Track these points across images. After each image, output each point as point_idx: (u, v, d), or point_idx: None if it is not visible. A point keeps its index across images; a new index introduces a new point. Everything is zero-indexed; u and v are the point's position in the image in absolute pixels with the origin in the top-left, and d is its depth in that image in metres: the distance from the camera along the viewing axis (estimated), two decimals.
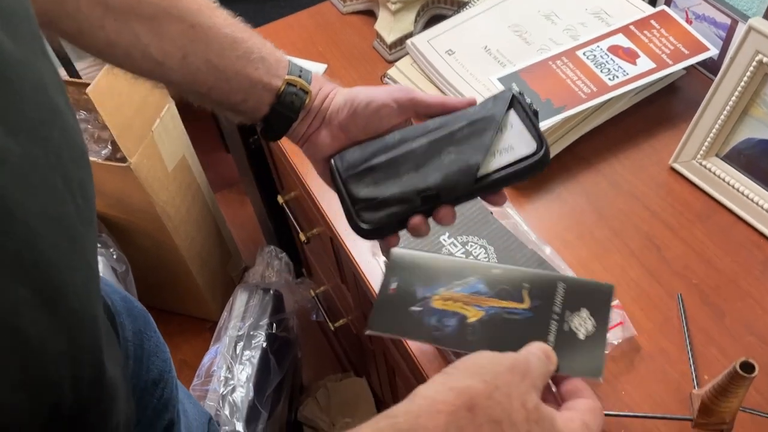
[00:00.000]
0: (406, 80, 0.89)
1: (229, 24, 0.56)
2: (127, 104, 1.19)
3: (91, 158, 1.20)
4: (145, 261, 1.48)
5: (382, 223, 0.54)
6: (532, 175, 0.53)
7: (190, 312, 1.70)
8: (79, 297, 0.35)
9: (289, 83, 0.57)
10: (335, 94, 0.59)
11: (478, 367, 0.39)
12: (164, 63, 0.54)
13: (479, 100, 0.56)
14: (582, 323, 0.47)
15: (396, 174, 0.54)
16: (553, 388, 0.45)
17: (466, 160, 0.52)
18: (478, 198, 0.74)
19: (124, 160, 1.22)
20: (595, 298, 0.49)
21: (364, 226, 0.54)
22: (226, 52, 0.55)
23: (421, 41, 0.89)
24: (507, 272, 0.51)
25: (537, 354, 0.42)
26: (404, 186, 0.53)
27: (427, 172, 0.53)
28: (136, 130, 1.23)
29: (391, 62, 0.96)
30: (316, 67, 0.99)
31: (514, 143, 0.52)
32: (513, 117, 0.54)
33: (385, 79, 0.91)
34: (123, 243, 1.43)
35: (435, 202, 0.53)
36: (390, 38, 0.97)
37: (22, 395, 0.30)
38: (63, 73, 1.60)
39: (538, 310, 0.48)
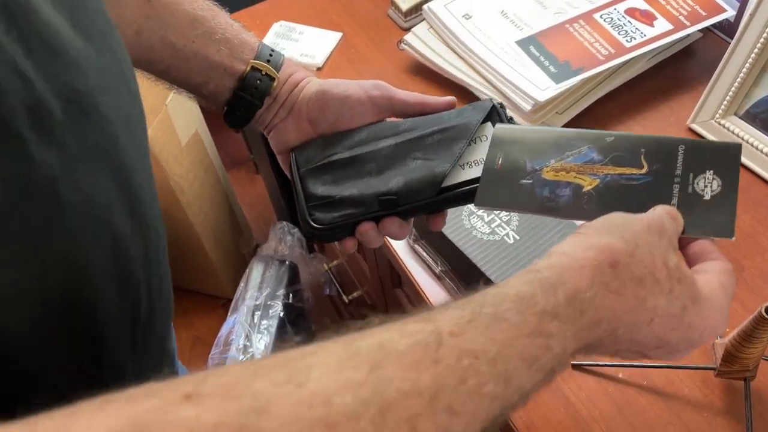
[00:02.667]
0: (423, 46, 0.90)
1: (191, 1, 0.53)
2: (140, 77, 1.19)
3: None
4: None
5: (334, 224, 0.50)
6: None
7: (203, 289, 1.71)
8: (148, 206, 0.37)
9: (254, 68, 0.54)
10: (307, 83, 0.55)
11: (615, 227, 0.37)
12: None
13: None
14: (707, 184, 0.44)
15: (357, 174, 0.51)
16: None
17: (432, 168, 0.49)
18: None
19: None
20: (719, 158, 0.44)
21: (314, 225, 0.51)
22: (185, 31, 0.52)
23: (437, 6, 0.90)
24: (622, 139, 0.46)
25: (665, 215, 0.40)
26: (364, 187, 0.50)
27: (390, 176, 0.50)
28: (150, 103, 1.24)
29: (406, 30, 0.96)
30: (331, 36, 0.99)
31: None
32: (489, 130, 0.51)
33: (402, 45, 0.91)
34: None
35: (392, 208, 0.50)
36: (405, 5, 0.97)
37: (114, 288, 0.31)
38: None
39: (658, 174, 0.44)
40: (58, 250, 0.28)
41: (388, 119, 0.55)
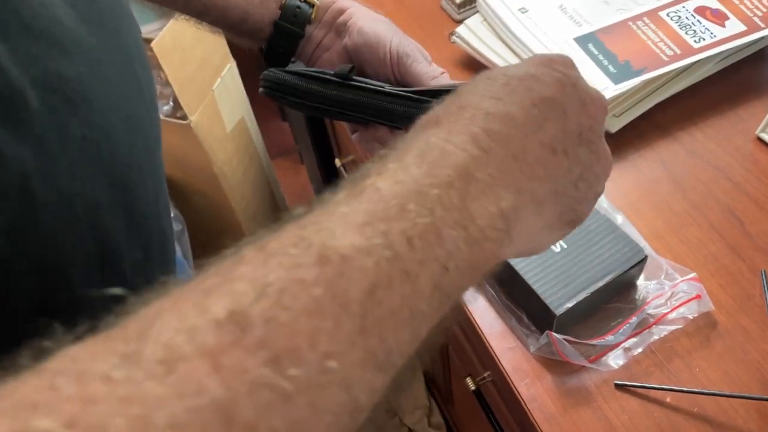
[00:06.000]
0: (475, 39, 0.86)
1: None
2: (189, 61, 1.19)
3: None
4: (201, 222, 1.49)
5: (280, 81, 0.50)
6: None
7: None
8: (149, 206, 0.33)
9: None
10: (351, 15, 0.53)
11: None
12: None
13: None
14: None
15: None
16: None
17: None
18: None
19: (184, 118, 1.22)
20: None
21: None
22: None
23: None
24: None
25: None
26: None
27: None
28: (198, 88, 1.23)
29: (459, 22, 0.92)
30: None
31: None
32: None
33: (454, 37, 0.88)
34: (179, 203, 1.44)
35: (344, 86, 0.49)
36: None
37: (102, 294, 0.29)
38: None
39: None
40: (29, 254, 0.26)
41: None
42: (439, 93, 0.47)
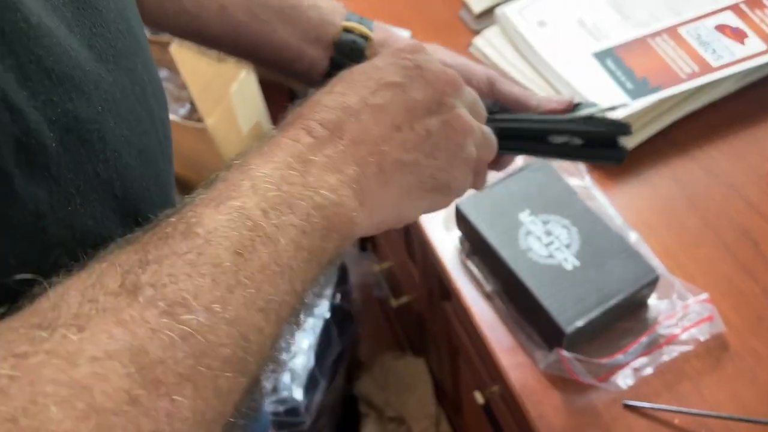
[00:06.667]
0: (493, 51, 0.86)
1: None
2: (207, 65, 1.20)
3: (170, 117, 1.22)
4: None
5: None
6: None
7: None
8: None
9: (345, 30, 0.51)
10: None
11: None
12: (200, 16, 0.49)
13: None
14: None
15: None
16: None
17: None
18: (563, 177, 0.70)
19: (201, 121, 1.23)
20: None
21: None
22: (269, 1, 0.49)
23: (512, 10, 0.86)
24: None
25: None
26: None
27: None
28: (215, 91, 1.24)
29: (477, 32, 0.92)
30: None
31: None
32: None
33: (471, 48, 0.88)
34: None
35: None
36: (477, 7, 0.93)
37: None
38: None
39: None
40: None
41: None
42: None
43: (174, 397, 0.23)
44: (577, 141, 0.49)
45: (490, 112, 0.47)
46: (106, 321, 0.24)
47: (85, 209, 0.28)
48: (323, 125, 0.34)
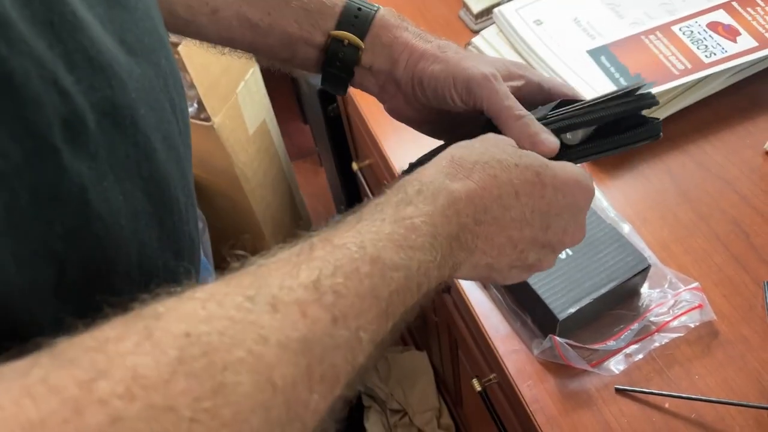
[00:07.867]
0: (491, 49, 0.88)
1: None
2: (214, 64, 1.22)
3: None
4: (221, 221, 1.52)
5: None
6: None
7: None
8: (180, 216, 0.37)
9: (335, 39, 0.48)
10: (421, 56, 0.49)
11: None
12: (194, 21, 0.49)
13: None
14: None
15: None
16: None
17: None
18: None
19: (208, 119, 1.25)
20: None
21: None
22: (259, 2, 0.48)
23: (509, 10, 0.88)
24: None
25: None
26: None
27: None
28: (222, 90, 1.26)
29: (476, 32, 0.94)
30: None
31: None
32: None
33: (469, 47, 0.90)
34: (201, 202, 1.48)
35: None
36: (476, 7, 0.95)
37: (136, 291, 0.32)
38: None
39: None
40: (80, 254, 0.29)
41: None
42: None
43: (316, 394, 0.29)
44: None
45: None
46: (294, 309, 0.29)
47: (117, 186, 0.31)
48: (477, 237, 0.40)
